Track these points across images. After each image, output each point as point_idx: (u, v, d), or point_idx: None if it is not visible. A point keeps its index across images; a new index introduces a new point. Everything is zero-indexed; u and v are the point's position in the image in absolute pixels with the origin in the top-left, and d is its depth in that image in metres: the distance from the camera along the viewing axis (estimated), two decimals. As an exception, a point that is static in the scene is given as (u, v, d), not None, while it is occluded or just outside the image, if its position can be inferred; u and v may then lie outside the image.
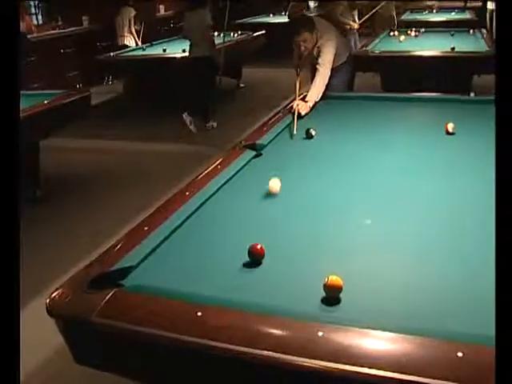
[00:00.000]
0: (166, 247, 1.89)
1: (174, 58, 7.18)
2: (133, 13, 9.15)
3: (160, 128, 6.86)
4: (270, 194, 2.31)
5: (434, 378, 1.14)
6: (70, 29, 9.39)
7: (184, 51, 7.26)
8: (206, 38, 6.50)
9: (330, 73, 4.23)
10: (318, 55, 4.32)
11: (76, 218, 4.40)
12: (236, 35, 9.13)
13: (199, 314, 1.41)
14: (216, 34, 9.34)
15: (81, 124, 5.27)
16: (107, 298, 1.52)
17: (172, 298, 1.50)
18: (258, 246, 1.76)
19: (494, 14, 10.73)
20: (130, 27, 9.08)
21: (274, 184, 2.33)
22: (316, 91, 4.04)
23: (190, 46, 6.58)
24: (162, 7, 12.33)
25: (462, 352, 1.19)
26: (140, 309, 1.48)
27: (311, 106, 3.83)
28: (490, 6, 11.02)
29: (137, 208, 4.23)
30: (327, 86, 4.16)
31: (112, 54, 7.78)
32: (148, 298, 1.53)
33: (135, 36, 9.25)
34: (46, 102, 4.32)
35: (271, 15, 12.21)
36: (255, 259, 1.75)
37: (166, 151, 6.03)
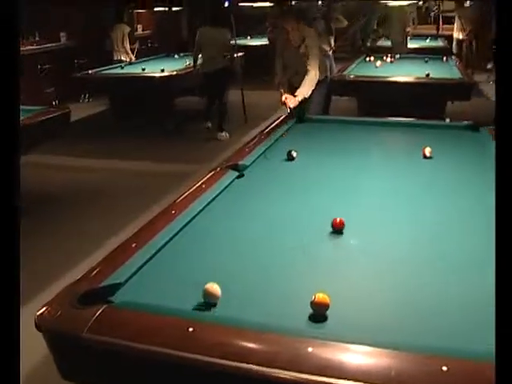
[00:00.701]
0: (154, 264, 1.92)
1: (154, 77, 7.23)
2: (127, 29, 9.28)
3: (140, 146, 6.87)
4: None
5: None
6: (47, 45, 9.37)
7: (163, 71, 7.33)
8: (226, 52, 7.12)
9: (318, 73, 4.62)
10: (305, 55, 4.62)
11: (51, 235, 4.38)
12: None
13: (190, 329, 1.44)
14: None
15: (59, 141, 5.27)
16: (97, 314, 1.53)
17: (163, 314, 1.53)
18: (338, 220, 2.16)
19: (464, 44, 11.10)
20: (123, 43, 9.18)
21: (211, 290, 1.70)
22: (306, 89, 4.49)
23: (207, 59, 7.05)
24: (139, 26, 12.39)
25: (447, 366, 1.25)
26: (131, 325, 1.50)
27: (299, 100, 4.32)
28: (456, 35, 11.36)
29: (114, 226, 4.24)
30: None
31: (90, 71, 7.79)
32: (139, 314, 1.55)
33: (129, 52, 9.35)
34: (24, 117, 4.30)
35: (249, 37, 12.36)
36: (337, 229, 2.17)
37: (144, 170, 6.05)
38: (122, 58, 9.14)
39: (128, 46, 9.30)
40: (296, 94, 4.45)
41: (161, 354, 1.39)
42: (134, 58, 9.34)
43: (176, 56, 9.53)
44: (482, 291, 1.71)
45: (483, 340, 1.44)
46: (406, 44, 9.75)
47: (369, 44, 11.11)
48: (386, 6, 10.01)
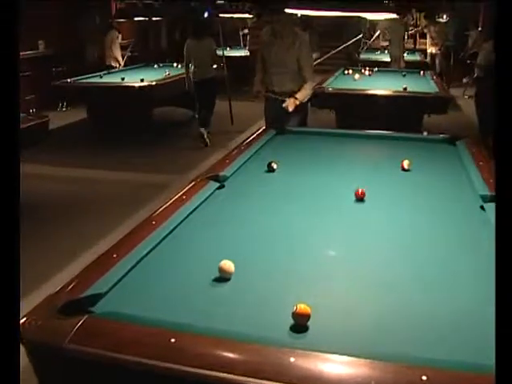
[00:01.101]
0: (135, 275, 1.92)
1: (134, 86, 7.23)
2: (115, 34, 9.46)
3: (118, 156, 6.85)
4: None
5: (401, 401, 1.21)
6: (25, 52, 9.30)
7: (142, 80, 7.33)
8: (213, 62, 7.58)
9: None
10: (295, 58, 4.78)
11: (27, 248, 4.33)
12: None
13: (173, 340, 1.44)
14: (175, 64, 9.49)
15: (37, 150, 5.23)
16: (79, 324, 1.53)
17: (145, 325, 1.53)
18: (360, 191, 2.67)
19: (436, 58, 11.29)
20: (111, 49, 9.33)
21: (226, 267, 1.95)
22: (305, 93, 4.84)
23: (196, 69, 7.44)
24: (119, 36, 12.36)
25: (426, 375, 1.28)
26: (113, 335, 1.50)
27: (298, 103, 4.68)
28: (429, 49, 11.59)
29: (93, 237, 4.22)
30: None
31: (69, 80, 7.76)
32: (121, 324, 1.55)
33: (118, 58, 9.50)
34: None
35: (228, 48, 12.40)
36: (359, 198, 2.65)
37: (123, 180, 6.03)
38: (112, 64, 9.30)
39: (117, 52, 9.40)
40: (296, 96, 4.75)
41: (143, 364, 1.39)
42: (122, 64, 9.51)
43: (155, 66, 9.54)
44: (457, 303, 1.75)
45: (460, 350, 1.48)
46: (403, 58, 9.84)
47: (362, 56, 11.21)
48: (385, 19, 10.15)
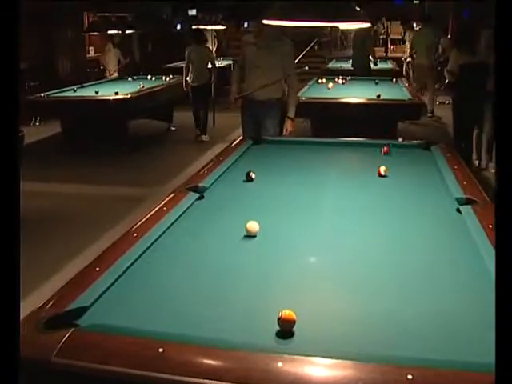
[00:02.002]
0: (119, 287, 1.92)
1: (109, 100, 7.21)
2: (108, 47, 10.25)
3: (93, 170, 6.82)
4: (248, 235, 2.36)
5: (388, 400, 1.24)
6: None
7: (117, 93, 7.32)
8: (208, 69, 8.29)
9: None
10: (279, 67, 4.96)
11: None
12: (167, 79, 9.27)
13: (161, 350, 1.45)
14: (149, 77, 9.49)
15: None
16: (65, 338, 1.53)
17: (132, 336, 1.54)
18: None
19: (410, 65, 11.45)
20: (104, 60, 10.21)
21: (252, 227, 2.36)
22: (294, 107, 5.05)
23: (196, 74, 8.19)
24: (91, 49, 12.34)
25: (412, 375, 1.31)
26: (100, 347, 1.51)
27: (294, 121, 5.01)
28: (407, 57, 11.77)
29: (71, 252, 4.19)
30: None
31: (42, 94, 7.71)
32: (107, 336, 1.56)
33: (108, 68, 10.19)
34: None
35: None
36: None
37: (99, 194, 5.99)
38: (107, 74, 9.90)
39: (109, 63, 10.00)
40: (290, 115, 5.01)
41: (132, 375, 1.40)
42: (112, 74, 10.08)
43: (130, 79, 9.52)
44: (438, 303, 1.79)
45: (444, 348, 1.52)
46: (369, 67, 9.85)
47: (332, 65, 11.32)
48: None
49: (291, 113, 5.05)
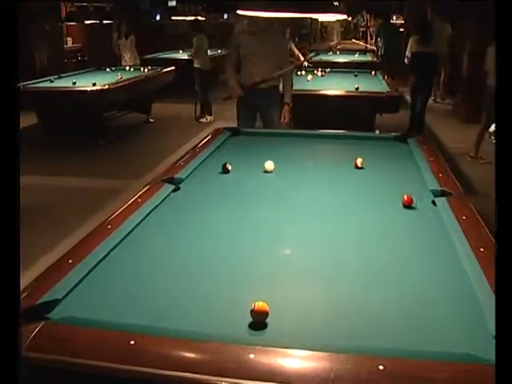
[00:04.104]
0: (91, 279, 1.90)
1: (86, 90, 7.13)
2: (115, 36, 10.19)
3: (70, 162, 6.74)
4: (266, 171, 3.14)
5: (360, 390, 1.25)
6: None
7: (94, 84, 7.24)
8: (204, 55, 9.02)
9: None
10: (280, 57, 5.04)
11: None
12: (146, 70, 9.20)
13: (132, 342, 1.44)
14: (127, 68, 9.41)
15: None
16: (36, 331, 1.51)
17: (103, 328, 1.52)
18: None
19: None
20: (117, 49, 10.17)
21: (269, 165, 3.14)
22: (290, 92, 5.12)
23: (207, 59, 9.17)
24: (69, 39, 12.19)
25: (383, 365, 1.31)
26: (72, 340, 1.49)
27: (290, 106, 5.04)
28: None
29: (48, 244, 4.15)
30: None
31: (18, 85, 7.58)
32: (78, 329, 1.54)
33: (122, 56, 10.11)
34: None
35: (181, 51, 12.36)
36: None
37: (76, 186, 5.93)
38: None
39: (122, 52, 10.00)
40: (286, 101, 5.05)
41: (104, 368, 1.39)
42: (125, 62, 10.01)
43: (108, 70, 9.41)
44: (409, 295, 1.80)
45: (414, 339, 1.53)
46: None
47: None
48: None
49: (288, 98, 5.09)
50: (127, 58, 9.99)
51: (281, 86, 5.27)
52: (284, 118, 5.07)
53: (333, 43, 11.55)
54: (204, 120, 9.00)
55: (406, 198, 2.58)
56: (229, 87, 5.21)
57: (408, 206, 2.57)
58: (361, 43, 14.26)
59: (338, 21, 14.00)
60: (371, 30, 15.06)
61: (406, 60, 8.10)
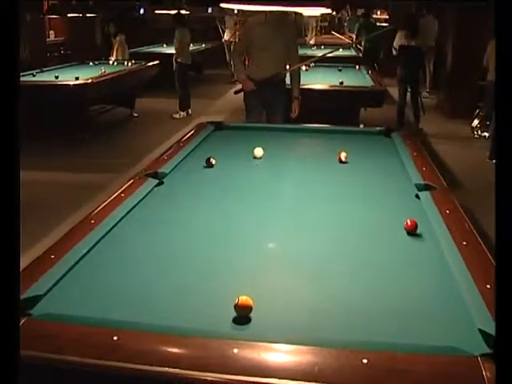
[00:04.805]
0: (74, 275, 1.88)
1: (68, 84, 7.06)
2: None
3: (53, 157, 6.68)
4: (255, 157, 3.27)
5: (344, 384, 1.25)
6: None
7: (77, 78, 7.17)
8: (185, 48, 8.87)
9: None
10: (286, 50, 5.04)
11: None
12: (129, 64, 9.13)
13: (115, 338, 1.43)
14: (111, 62, 9.34)
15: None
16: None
17: (86, 324, 1.51)
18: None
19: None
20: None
21: (258, 152, 3.28)
22: (299, 87, 5.13)
23: (188, 54, 8.95)
24: (52, 33, 12.05)
25: (367, 359, 1.32)
26: (54, 337, 1.47)
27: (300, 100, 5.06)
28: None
29: (30, 239, 4.11)
30: None
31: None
32: (61, 325, 1.52)
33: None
34: None
35: (165, 45, 12.28)
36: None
37: (60, 180, 5.88)
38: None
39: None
40: (296, 96, 5.08)
41: (87, 364, 1.37)
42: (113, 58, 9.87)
43: (91, 63, 9.34)
44: (391, 289, 1.81)
45: (397, 332, 1.54)
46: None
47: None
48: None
49: (297, 92, 5.11)
50: (119, 57, 9.94)
51: (288, 79, 5.30)
52: (294, 111, 5.07)
53: (308, 38, 11.55)
54: (177, 116, 8.81)
55: (409, 222, 2.21)
56: (240, 81, 5.18)
57: (412, 232, 2.20)
58: (341, 36, 14.23)
59: (322, 15, 14.05)
60: (346, 23, 15.08)
61: (394, 52, 8.29)
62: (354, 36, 11.46)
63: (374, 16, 13.41)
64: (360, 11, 11.11)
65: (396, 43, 8.18)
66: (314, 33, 13.97)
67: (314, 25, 14.25)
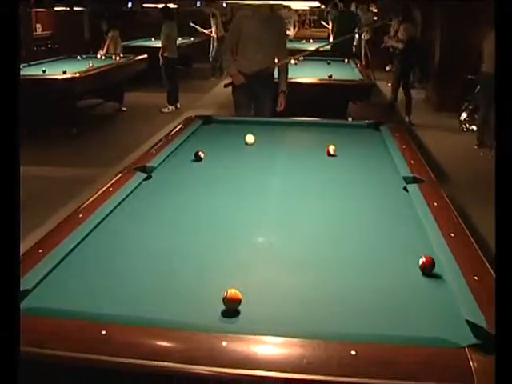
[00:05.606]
0: (62, 269, 1.87)
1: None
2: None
3: (41, 151, 6.63)
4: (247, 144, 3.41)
5: (333, 376, 1.25)
6: None
7: (65, 72, 7.12)
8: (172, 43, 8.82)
9: None
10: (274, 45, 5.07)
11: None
12: (117, 58, 9.09)
13: (104, 332, 1.42)
14: (98, 56, 9.29)
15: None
16: (5, 322, 1.48)
17: (74, 318, 1.50)
18: None
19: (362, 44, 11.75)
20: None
21: (250, 138, 3.43)
22: (287, 81, 5.17)
23: (175, 48, 8.95)
24: (38, 26, 11.95)
25: (355, 350, 1.32)
26: (42, 331, 1.47)
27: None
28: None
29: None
30: None
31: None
32: (49, 319, 1.52)
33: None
34: None
35: (153, 39, 12.22)
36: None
37: (48, 175, 5.85)
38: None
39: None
40: (283, 89, 5.11)
41: (74, 358, 1.37)
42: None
43: (78, 57, 9.28)
44: (379, 281, 1.82)
45: (386, 324, 1.54)
46: None
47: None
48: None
49: (284, 86, 5.14)
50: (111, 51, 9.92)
51: (276, 73, 5.31)
52: (281, 105, 5.10)
53: (289, 32, 11.53)
54: (166, 110, 8.80)
55: (425, 259, 1.83)
56: (231, 74, 5.18)
57: (427, 270, 1.82)
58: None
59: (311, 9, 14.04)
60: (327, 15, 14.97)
61: (398, 47, 8.06)
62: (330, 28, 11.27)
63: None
64: (340, 4, 10.97)
65: (403, 36, 7.91)
66: (296, 28, 13.94)
67: (297, 18, 14.21)
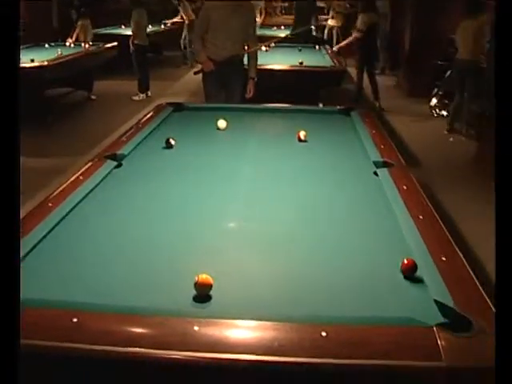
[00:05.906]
0: (32, 258, 1.85)
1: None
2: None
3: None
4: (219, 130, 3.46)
5: (304, 357, 1.27)
6: None
7: (33, 61, 7.00)
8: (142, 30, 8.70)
9: None
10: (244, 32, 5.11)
11: None
12: (87, 46, 8.95)
13: (75, 320, 1.42)
14: (67, 44, 9.14)
15: None
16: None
17: (44, 307, 1.49)
18: None
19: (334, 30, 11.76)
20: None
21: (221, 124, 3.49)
22: (256, 67, 5.21)
23: (145, 35, 8.79)
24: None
25: (326, 331, 1.34)
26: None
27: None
28: (330, 22, 12.09)
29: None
30: None
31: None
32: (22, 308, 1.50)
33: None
34: None
35: (123, 27, 12.06)
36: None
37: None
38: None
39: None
40: (252, 76, 5.14)
41: (46, 347, 1.36)
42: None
43: (46, 45, 9.11)
44: (348, 263, 1.84)
45: (356, 306, 1.57)
46: None
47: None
48: None
49: (253, 73, 5.19)
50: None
51: (245, 60, 5.31)
52: (250, 91, 5.14)
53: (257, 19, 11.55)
54: (137, 98, 8.69)
55: (406, 261, 1.75)
56: (201, 61, 5.19)
57: (409, 274, 1.73)
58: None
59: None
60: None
61: (358, 35, 8.03)
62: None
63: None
64: None
65: (362, 25, 7.91)
66: (263, 15, 13.94)
67: (263, 6, 14.20)
